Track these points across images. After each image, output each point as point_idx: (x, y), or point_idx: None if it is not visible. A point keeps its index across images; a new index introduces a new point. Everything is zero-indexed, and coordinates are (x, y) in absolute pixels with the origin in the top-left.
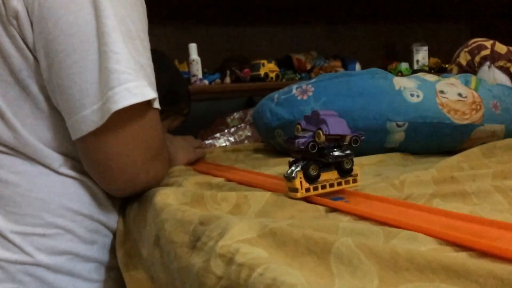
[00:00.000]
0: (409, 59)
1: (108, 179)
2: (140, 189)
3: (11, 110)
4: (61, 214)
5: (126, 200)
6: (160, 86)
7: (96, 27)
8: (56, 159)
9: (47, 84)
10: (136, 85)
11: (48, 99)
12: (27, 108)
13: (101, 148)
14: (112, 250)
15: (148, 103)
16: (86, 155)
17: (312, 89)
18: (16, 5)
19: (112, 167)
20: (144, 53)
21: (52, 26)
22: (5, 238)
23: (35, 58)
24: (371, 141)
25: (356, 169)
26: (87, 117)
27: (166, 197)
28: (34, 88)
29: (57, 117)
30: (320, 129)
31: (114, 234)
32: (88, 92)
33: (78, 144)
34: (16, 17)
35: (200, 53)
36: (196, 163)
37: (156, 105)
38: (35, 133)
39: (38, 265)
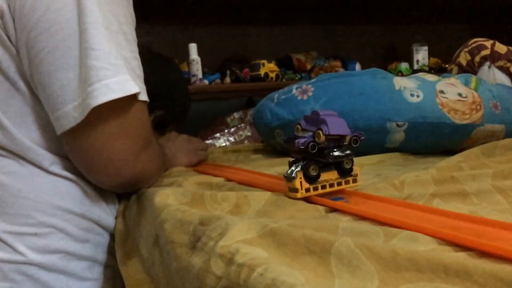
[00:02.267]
0: (409, 59)
1: (94, 171)
2: (127, 180)
3: (1, 109)
4: (53, 213)
5: (126, 200)
6: (179, 103)
7: (78, 24)
8: (46, 158)
9: (31, 82)
10: (115, 81)
11: (35, 95)
12: (16, 106)
13: (84, 141)
14: (106, 249)
15: (133, 96)
16: (71, 149)
17: (312, 89)
18: (1, 4)
19: (96, 159)
20: (127, 46)
21: (33, 24)
22: None
23: (19, 54)
24: (371, 141)
25: (356, 169)
26: (68, 113)
27: (166, 197)
28: (22, 84)
29: (45, 114)
30: (320, 129)
31: (108, 232)
32: (69, 88)
33: (63, 139)
34: (1, 17)
35: (200, 53)
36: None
37: (143, 97)
38: (24, 131)
39: (30, 264)
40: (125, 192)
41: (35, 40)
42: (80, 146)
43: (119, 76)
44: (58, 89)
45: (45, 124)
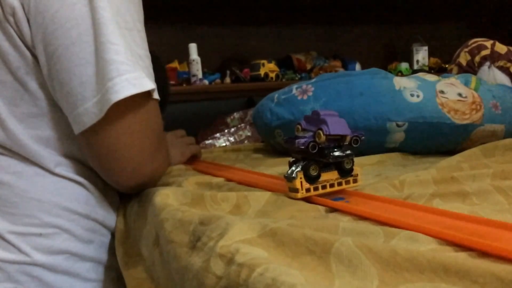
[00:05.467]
0: (409, 59)
1: (114, 171)
2: (145, 179)
3: (8, 110)
4: (58, 213)
5: (126, 200)
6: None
7: (92, 18)
8: (51, 160)
9: (47, 80)
10: (134, 76)
11: (47, 96)
12: (24, 106)
13: (105, 140)
14: (110, 249)
15: (148, 94)
16: (90, 149)
17: (312, 89)
18: (12, 2)
19: (116, 158)
20: (142, 44)
21: (49, 21)
22: (3, 238)
23: (33, 55)
24: (371, 141)
25: (356, 169)
26: (89, 110)
27: (166, 198)
28: (33, 85)
29: (56, 114)
30: (321, 129)
31: (112, 233)
32: (88, 84)
33: (82, 138)
34: (13, 14)
35: (200, 53)
36: (194, 162)
37: (156, 95)
38: (32, 132)
39: (35, 264)
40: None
41: (51, 37)
42: (100, 145)
43: (136, 72)
44: (77, 85)
45: (54, 124)
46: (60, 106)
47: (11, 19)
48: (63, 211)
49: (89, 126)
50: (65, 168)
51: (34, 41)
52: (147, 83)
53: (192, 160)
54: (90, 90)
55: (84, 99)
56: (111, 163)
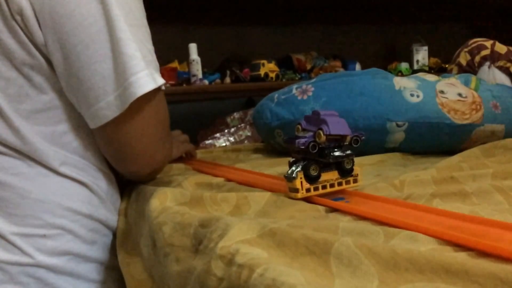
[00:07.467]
0: (409, 59)
1: (129, 161)
2: (159, 165)
3: (13, 108)
4: (61, 214)
5: (127, 199)
6: None
7: (106, 15)
8: (56, 158)
9: (63, 78)
10: (151, 71)
11: (53, 89)
12: (29, 102)
13: (124, 131)
14: (112, 250)
15: (158, 86)
16: (107, 141)
17: (312, 89)
18: (20, 1)
19: (133, 149)
20: (149, 39)
21: (66, 20)
22: (6, 239)
23: (41, 53)
24: (371, 141)
25: (356, 169)
26: (111, 103)
27: (165, 198)
28: (38, 79)
29: (60, 109)
30: (321, 129)
31: (114, 233)
32: (109, 79)
33: (99, 132)
34: (20, 14)
35: (200, 53)
36: (194, 161)
37: (163, 87)
38: (37, 128)
39: (38, 266)
40: (137, 182)
41: (69, 35)
42: (120, 136)
43: (151, 67)
44: (99, 80)
45: (58, 119)
46: (71, 101)
47: (18, 17)
48: (66, 212)
49: (110, 119)
50: (69, 167)
51: (48, 40)
52: (160, 78)
53: (188, 159)
54: (111, 85)
55: (105, 94)
56: (130, 153)
